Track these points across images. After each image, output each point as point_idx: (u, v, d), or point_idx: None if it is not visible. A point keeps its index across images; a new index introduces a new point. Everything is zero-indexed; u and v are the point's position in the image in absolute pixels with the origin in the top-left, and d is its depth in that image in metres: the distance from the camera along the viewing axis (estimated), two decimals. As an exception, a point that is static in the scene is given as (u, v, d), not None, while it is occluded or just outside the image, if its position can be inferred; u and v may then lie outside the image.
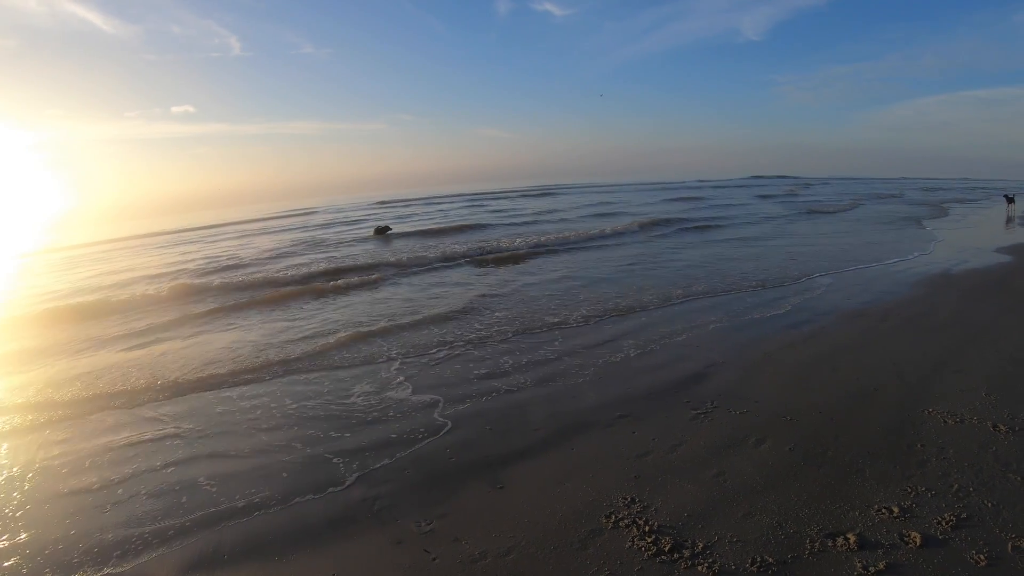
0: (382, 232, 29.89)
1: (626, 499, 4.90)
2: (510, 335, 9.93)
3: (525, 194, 68.28)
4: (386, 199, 71.34)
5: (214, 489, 5.53)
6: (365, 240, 28.07)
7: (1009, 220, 28.20)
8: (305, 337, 10.34)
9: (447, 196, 73.16)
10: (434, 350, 9.32)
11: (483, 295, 13.28)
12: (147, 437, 6.73)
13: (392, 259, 19.48)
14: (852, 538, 4.22)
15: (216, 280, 17.03)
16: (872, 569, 3.92)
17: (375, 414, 7.03)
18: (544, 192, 72.42)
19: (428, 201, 62.07)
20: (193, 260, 23.93)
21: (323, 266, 19.10)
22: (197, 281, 17.09)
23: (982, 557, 4.00)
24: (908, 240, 20.83)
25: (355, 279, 16.31)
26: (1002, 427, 5.83)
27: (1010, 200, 33.14)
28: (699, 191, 64.19)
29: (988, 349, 8.21)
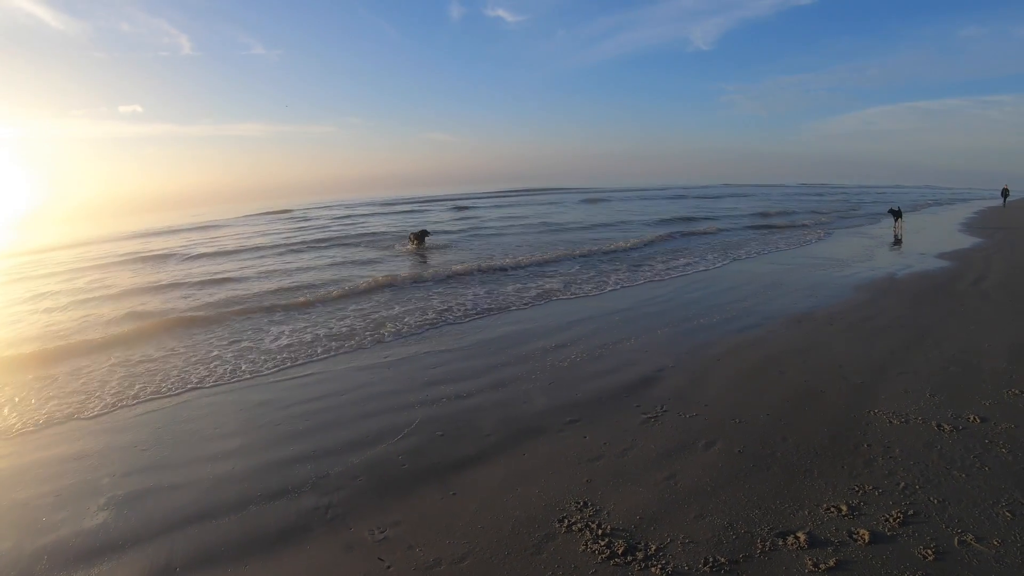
0: (420, 239, 25.90)
1: (579, 503, 4.89)
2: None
3: (515, 200, 66.64)
4: (346, 203, 70.38)
5: (165, 498, 5.42)
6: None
7: (896, 241, 24.29)
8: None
9: (417, 200, 72.64)
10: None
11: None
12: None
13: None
14: (802, 537, 4.26)
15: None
16: (823, 566, 3.95)
17: (325, 418, 7.01)
18: (536, 196, 72.22)
19: (416, 205, 60.93)
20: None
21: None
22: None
23: (930, 552, 4.06)
24: None
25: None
26: (946, 426, 5.95)
27: (897, 215, 27.92)
28: (759, 201, 60.80)
29: (932, 351, 8.37)
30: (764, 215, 38.68)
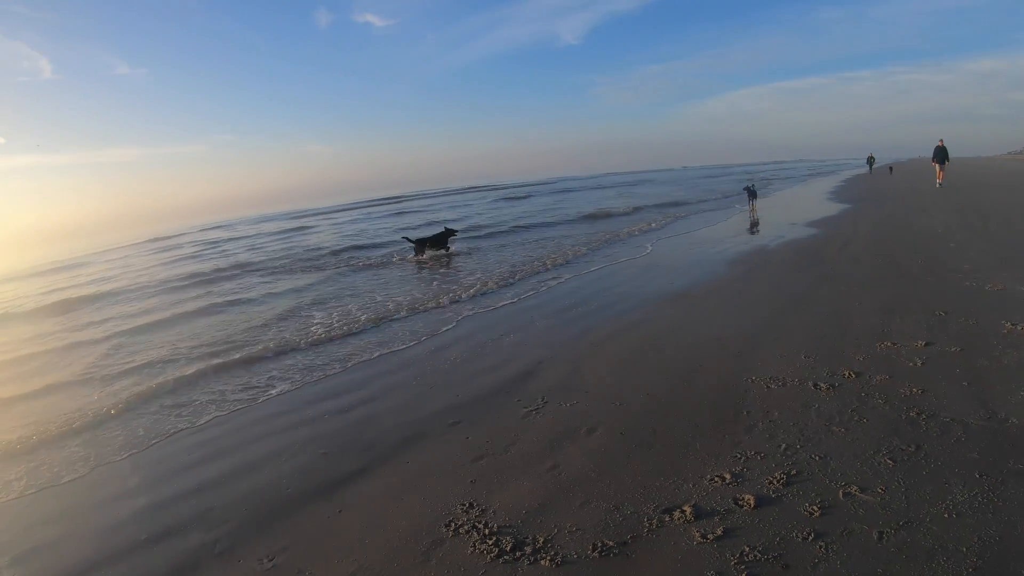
0: (440, 244, 21.18)
1: (464, 505, 4.73)
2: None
3: (417, 206, 65.22)
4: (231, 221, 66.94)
5: (53, 553, 5.03)
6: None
7: (753, 224, 21.98)
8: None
9: (308, 214, 71.09)
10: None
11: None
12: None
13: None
14: (688, 510, 4.21)
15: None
16: (710, 536, 3.91)
17: (207, 450, 6.64)
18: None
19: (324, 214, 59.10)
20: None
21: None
22: None
23: (815, 508, 4.08)
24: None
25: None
26: (822, 385, 6.07)
27: (752, 195, 26.54)
28: (668, 187, 61.48)
29: (805, 315, 8.60)
30: (675, 204, 38.34)
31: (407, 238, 22.24)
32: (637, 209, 34.63)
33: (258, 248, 34.69)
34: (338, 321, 12.13)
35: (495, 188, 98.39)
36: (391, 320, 11.77)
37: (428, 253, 21.08)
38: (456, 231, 22.56)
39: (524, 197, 61.05)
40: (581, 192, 63.18)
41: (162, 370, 10.09)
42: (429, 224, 36.01)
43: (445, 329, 10.56)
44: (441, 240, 21.36)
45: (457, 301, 12.97)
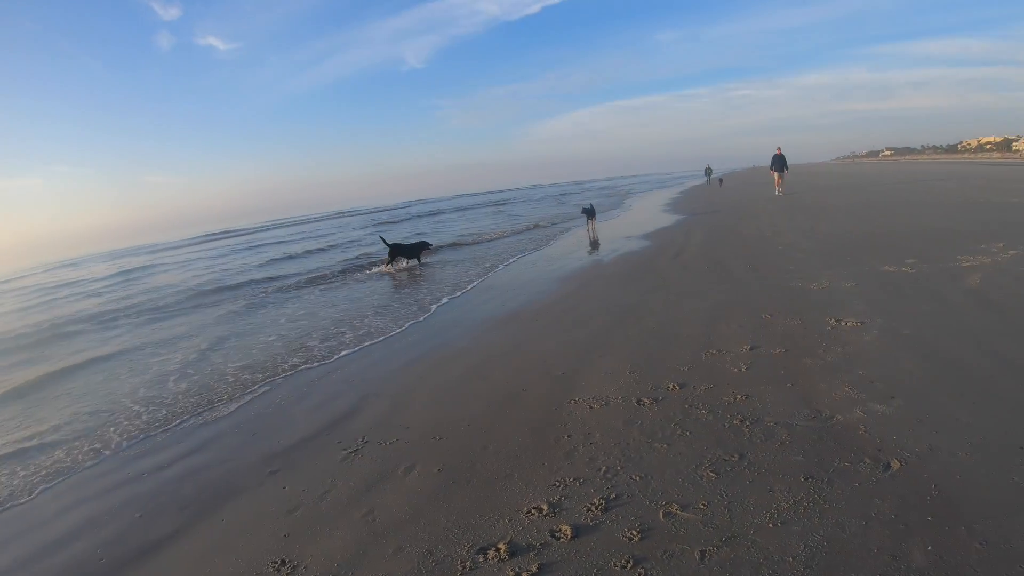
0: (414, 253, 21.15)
1: (276, 563, 4.40)
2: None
3: (286, 235, 62.51)
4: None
5: None
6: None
7: (593, 244, 21.18)
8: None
9: (155, 249, 67.36)
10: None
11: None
12: None
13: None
14: (503, 547, 4.06)
15: None
16: (525, 574, 3.77)
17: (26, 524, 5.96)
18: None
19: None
20: None
21: None
22: None
23: (635, 532, 4.01)
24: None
25: None
26: (646, 400, 6.07)
27: (590, 215, 24.63)
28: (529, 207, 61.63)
29: (633, 329, 8.67)
30: (536, 226, 38.45)
31: (383, 239, 22.25)
32: (497, 234, 34.64)
33: (105, 293, 31.95)
34: (192, 373, 11.23)
35: (357, 214, 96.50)
36: (247, 369, 11.02)
37: (403, 262, 21.03)
38: (431, 244, 22.62)
39: (399, 221, 60.05)
40: (449, 215, 62.92)
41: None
42: (291, 258, 34.76)
43: (284, 372, 10.05)
44: (415, 251, 21.21)
45: (326, 341, 12.34)
